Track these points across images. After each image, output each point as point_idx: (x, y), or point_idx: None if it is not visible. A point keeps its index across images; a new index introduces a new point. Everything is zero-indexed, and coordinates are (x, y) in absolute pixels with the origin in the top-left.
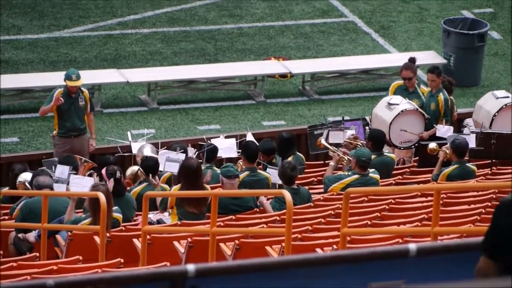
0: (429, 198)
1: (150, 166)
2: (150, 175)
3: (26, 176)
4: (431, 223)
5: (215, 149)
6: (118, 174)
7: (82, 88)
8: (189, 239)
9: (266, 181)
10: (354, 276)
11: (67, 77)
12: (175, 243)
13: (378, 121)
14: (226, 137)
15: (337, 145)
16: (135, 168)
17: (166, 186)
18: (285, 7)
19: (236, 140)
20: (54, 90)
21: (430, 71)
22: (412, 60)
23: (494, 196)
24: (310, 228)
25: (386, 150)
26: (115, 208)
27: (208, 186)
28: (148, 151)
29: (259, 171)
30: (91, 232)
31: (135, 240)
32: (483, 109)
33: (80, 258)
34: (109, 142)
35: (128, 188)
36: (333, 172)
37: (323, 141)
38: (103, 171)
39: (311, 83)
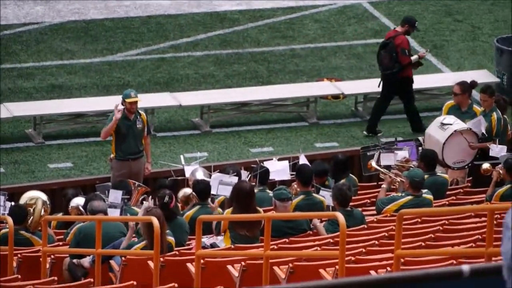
0: (483, 219)
1: (202, 189)
2: (209, 199)
3: (78, 201)
4: (485, 244)
5: (267, 172)
6: (166, 198)
7: (140, 111)
8: (243, 263)
9: (321, 204)
10: None
11: (126, 96)
12: (229, 267)
13: (431, 141)
14: (279, 159)
15: (388, 167)
16: (187, 190)
17: (220, 210)
18: (337, 28)
19: (289, 162)
20: (112, 114)
21: (482, 90)
22: (471, 83)
23: None
24: (363, 250)
25: (439, 170)
26: (167, 232)
27: (260, 209)
28: (200, 175)
29: (314, 194)
30: (145, 257)
31: (189, 265)
32: None
33: (135, 283)
34: (162, 166)
35: (181, 211)
36: (386, 194)
37: (373, 164)
38: None
39: (364, 104)
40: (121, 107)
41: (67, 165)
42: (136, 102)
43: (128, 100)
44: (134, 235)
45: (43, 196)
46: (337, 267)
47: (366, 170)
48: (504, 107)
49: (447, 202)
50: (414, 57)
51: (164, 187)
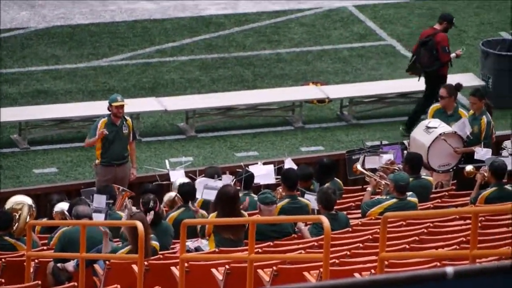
0: (468, 221)
1: (187, 191)
2: (190, 202)
3: (62, 206)
4: (470, 246)
5: (251, 176)
6: (151, 203)
7: (126, 117)
8: (227, 266)
9: (306, 208)
10: None
11: (112, 101)
12: (213, 270)
13: (416, 145)
14: (264, 163)
15: (373, 170)
16: (172, 194)
17: (205, 213)
18: (323, 32)
19: (274, 166)
20: (97, 120)
21: (471, 94)
22: (456, 86)
23: None
24: (348, 253)
25: (423, 173)
26: (152, 236)
27: (245, 213)
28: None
29: (299, 198)
30: (129, 261)
31: (173, 268)
32: None
33: (118, 287)
34: (147, 171)
35: (165, 213)
36: (371, 197)
37: (358, 167)
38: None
39: (349, 107)
40: (105, 132)
41: (52, 170)
42: (122, 106)
43: (114, 104)
44: (117, 239)
45: (29, 201)
46: (321, 270)
47: (351, 173)
48: (488, 111)
49: (431, 205)
50: (452, 55)
51: (149, 191)
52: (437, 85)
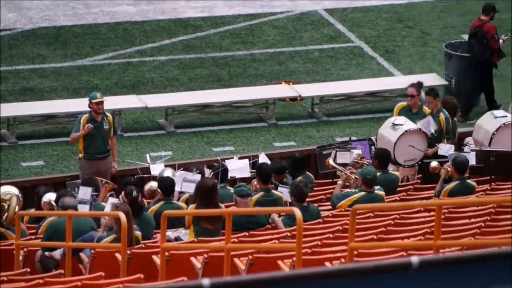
0: (432, 213)
1: (167, 186)
2: (171, 195)
3: (50, 196)
4: (434, 237)
5: (226, 170)
6: (134, 193)
7: (106, 113)
8: (205, 255)
9: (279, 201)
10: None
11: (92, 98)
12: (192, 259)
13: (383, 141)
14: (240, 158)
15: (344, 164)
16: (153, 184)
17: (184, 205)
18: (294, 34)
19: (249, 160)
20: (80, 116)
21: (426, 93)
22: (419, 84)
23: (493, 211)
24: (319, 243)
25: (390, 168)
26: (134, 226)
27: (222, 205)
28: (168, 174)
29: (273, 191)
30: (113, 250)
31: (154, 257)
32: (483, 128)
33: (103, 274)
34: (129, 164)
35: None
36: (341, 190)
37: (330, 162)
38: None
39: (320, 105)
40: (90, 126)
41: (39, 164)
42: (102, 103)
43: (94, 101)
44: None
45: (16, 192)
46: (294, 259)
47: (322, 167)
48: (454, 113)
49: (398, 198)
50: (500, 42)
51: (130, 184)
52: (490, 74)
